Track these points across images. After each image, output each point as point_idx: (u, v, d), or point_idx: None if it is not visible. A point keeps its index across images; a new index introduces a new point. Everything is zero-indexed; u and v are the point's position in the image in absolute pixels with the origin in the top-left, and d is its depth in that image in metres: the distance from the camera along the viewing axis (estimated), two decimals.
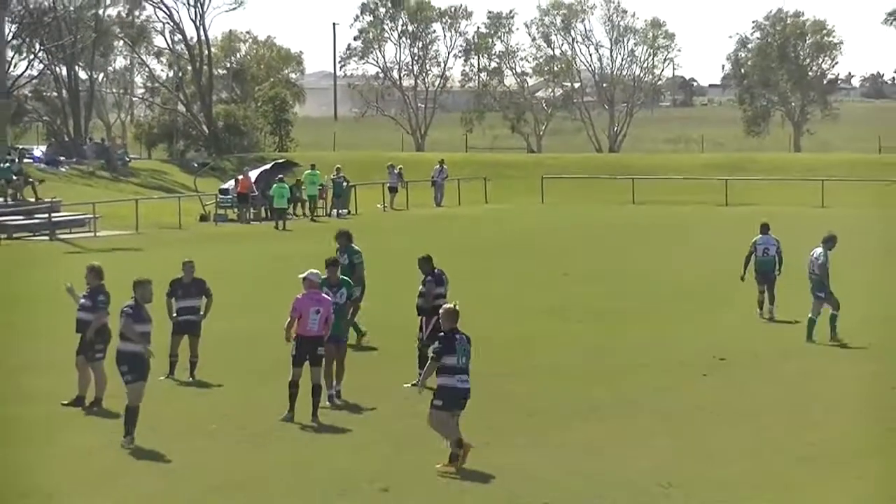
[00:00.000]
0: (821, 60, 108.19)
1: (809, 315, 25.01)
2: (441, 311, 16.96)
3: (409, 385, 19.82)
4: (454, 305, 16.82)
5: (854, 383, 21.31)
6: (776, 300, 27.94)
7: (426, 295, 21.14)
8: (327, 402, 19.23)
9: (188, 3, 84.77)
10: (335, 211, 58.99)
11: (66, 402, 19.40)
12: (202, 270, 22.33)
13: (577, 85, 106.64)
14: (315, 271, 19.26)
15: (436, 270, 21.48)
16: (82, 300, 19.77)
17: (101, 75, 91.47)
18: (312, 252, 32.00)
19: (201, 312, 21.69)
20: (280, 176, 57.07)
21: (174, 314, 21.48)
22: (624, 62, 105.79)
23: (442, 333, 16.48)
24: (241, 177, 59.09)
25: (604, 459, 16.47)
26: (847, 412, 19.25)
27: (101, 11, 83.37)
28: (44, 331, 25.83)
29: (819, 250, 25.20)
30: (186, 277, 21.68)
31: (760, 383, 21.39)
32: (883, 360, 23.20)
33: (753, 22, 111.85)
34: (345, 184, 59.84)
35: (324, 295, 19.02)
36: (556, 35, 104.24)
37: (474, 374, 21.69)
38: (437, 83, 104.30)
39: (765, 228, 28.61)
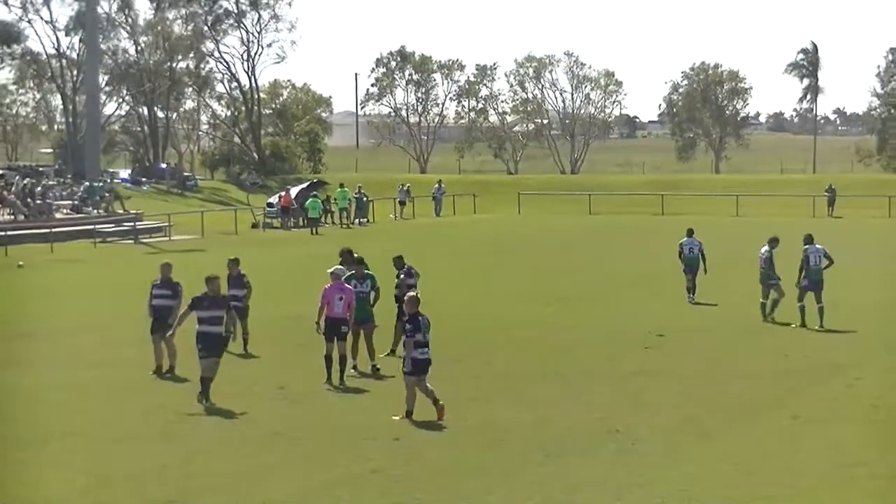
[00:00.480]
0: (735, 102, 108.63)
1: (761, 300, 24.73)
2: (406, 298, 16.68)
3: (385, 355, 19.95)
4: (416, 294, 16.66)
5: (757, 352, 21.30)
6: (696, 288, 28.05)
7: (401, 286, 20.77)
8: (352, 370, 19.02)
9: (242, 58, 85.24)
10: (357, 220, 58.99)
11: (151, 371, 19.36)
12: (255, 266, 22.34)
13: (545, 121, 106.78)
14: (340, 267, 19.18)
15: (405, 266, 21.17)
16: (157, 290, 19.54)
17: (175, 114, 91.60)
18: (331, 253, 31.98)
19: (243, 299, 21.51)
20: (314, 192, 57.14)
21: None
22: (582, 103, 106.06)
23: (408, 317, 16.16)
24: (283, 193, 59.12)
25: (565, 411, 16.44)
26: (747, 374, 19.17)
27: (174, 64, 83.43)
28: (130, 311, 25.81)
29: (766, 248, 24.96)
30: (232, 272, 21.52)
31: (688, 352, 21.34)
32: (777, 335, 23.22)
33: (682, 72, 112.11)
34: (365, 199, 59.83)
35: (346, 285, 18.78)
36: (529, 82, 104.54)
37: (467, 346, 21.81)
38: (436, 120, 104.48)
39: (690, 232, 28.78)
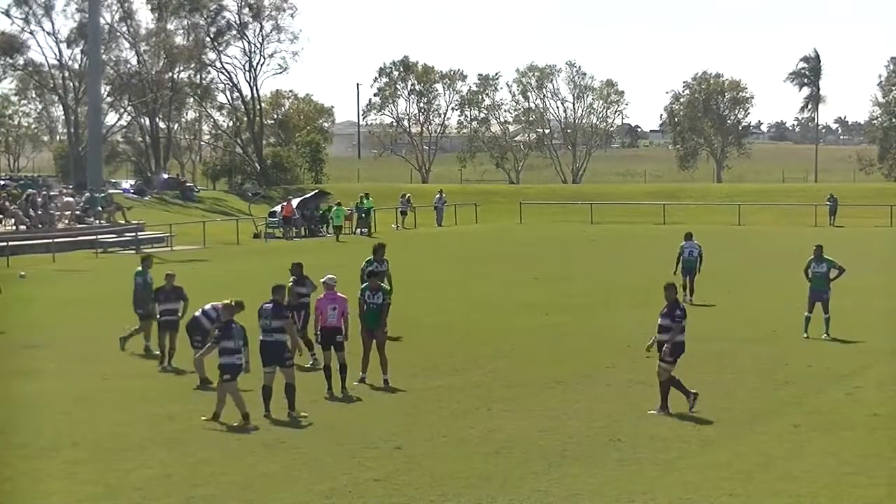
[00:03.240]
0: (737, 111, 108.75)
1: None
2: (221, 305, 16.89)
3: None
4: (231, 302, 16.78)
5: (757, 361, 21.30)
6: (695, 291, 28.55)
7: (291, 294, 20.68)
8: (355, 382, 18.86)
9: (244, 69, 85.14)
10: (359, 230, 59.08)
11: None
12: (256, 277, 22.35)
13: (547, 131, 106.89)
14: (332, 276, 19.07)
15: (303, 275, 21.33)
16: (210, 309, 19.67)
17: (176, 125, 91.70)
18: (340, 263, 32.05)
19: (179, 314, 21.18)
20: (338, 201, 57.67)
21: (158, 315, 21.33)
22: (584, 113, 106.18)
23: (219, 324, 16.48)
24: (285, 204, 59.28)
25: (567, 419, 16.50)
26: (748, 383, 19.23)
27: (175, 75, 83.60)
28: (134, 322, 25.83)
29: None
30: (167, 285, 21.20)
31: (689, 361, 21.32)
32: (777, 343, 23.25)
33: (684, 81, 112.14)
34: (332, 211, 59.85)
35: (338, 294, 18.63)
36: (531, 92, 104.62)
37: (469, 355, 21.88)
38: (438, 130, 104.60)
39: (689, 236, 29.59)
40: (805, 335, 23.45)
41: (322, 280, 19.00)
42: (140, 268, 22.69)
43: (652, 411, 16.72)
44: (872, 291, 30.75)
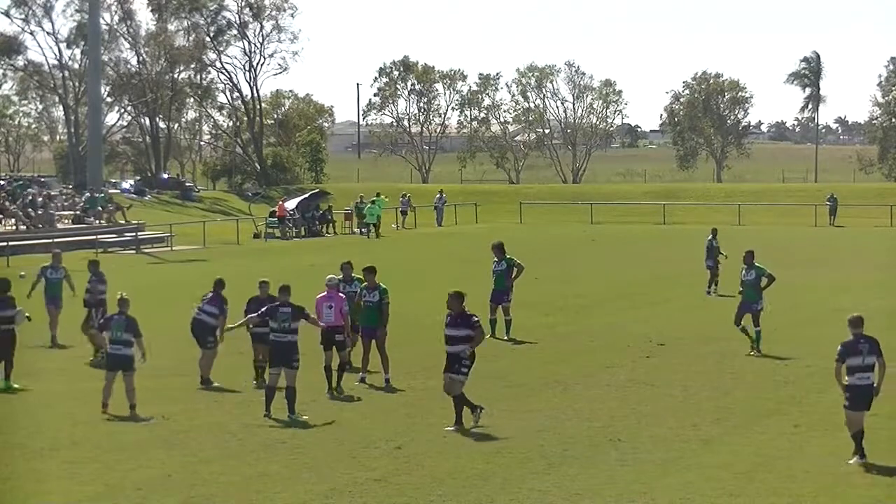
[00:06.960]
0: (736, 111, 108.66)
1: None
2: (118, 298, 17.39)
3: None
4: (121, 295, 17.36)
5: (757, 360, 21.28)
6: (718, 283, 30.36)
7: (91, 291, 22.14)
8: (355, 382, 18.89)
9: (244, 69, 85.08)
10: (360, 230, 59.04)
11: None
12: (256, 277, 22.26)
13: (547, 131, 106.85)
14: (332, 276, 19.12)
15: (100, 272, 22.49)
16: (206, 306, 19.48)
17: (176, 125, 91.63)
18: (332, 262, 31.82)
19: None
20: (373, 199, 57.91)
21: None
22: (583, 113, 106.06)
23: (106, 316, 17.17)
24: (280, 204, 59.37)
25: (566, 419, 16.48)
26: (748, 383, 19.23)
27: (175, 75, 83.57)
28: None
29: None
30: (262, 294, 19.27)
31: (688, 361, 21.36)
32: (778, 343, 23.22)
33: (684, 81, 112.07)
34: (365, 208, 59.92)
35: (337, 293, 18.60)
36: (530, 92, 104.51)
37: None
38: (438, 130, 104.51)
39: (714, 232, 31.65)
40: (751, 352, 21.77)
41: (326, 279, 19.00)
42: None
43: (449, 428, 15.87)
44: (871, 291, 30.75)
